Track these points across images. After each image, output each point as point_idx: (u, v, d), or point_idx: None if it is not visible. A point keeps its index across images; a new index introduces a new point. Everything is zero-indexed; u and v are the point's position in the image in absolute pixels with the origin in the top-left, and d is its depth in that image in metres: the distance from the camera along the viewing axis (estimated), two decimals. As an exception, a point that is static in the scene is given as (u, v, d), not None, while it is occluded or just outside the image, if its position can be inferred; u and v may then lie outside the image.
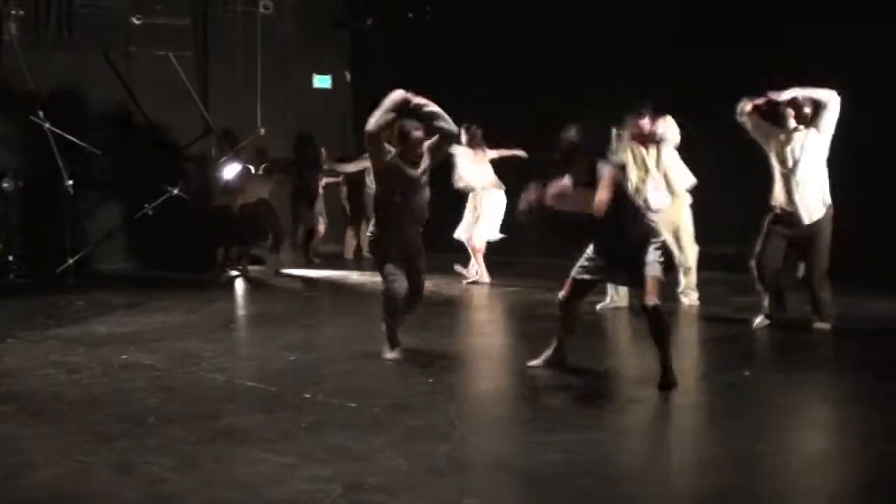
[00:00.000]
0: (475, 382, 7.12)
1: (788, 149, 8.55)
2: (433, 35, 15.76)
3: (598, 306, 9.90)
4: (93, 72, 15.39)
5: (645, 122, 9.82)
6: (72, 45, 15.28)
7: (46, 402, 6.65)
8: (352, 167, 15.41)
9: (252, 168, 15.14)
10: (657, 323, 6.66)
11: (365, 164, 13.87)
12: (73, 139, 14.30)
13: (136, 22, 15.68)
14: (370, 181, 15.37)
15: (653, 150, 9.87)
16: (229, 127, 15.97)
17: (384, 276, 7.87)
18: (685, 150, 10.06)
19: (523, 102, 14.30)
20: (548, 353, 7.32)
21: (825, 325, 8.54)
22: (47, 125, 14.03)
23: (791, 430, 5.80)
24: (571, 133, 6.87)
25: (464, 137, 12.17)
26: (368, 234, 8.31)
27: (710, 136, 10.41)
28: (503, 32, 14.71)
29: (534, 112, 13.76)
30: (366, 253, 12.55)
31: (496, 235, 12.58)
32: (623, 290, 9.82)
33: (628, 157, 9.75)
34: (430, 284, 9.50)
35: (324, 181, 16.21)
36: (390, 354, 7.83)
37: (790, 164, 8.53)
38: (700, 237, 10.15)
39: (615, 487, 4.85)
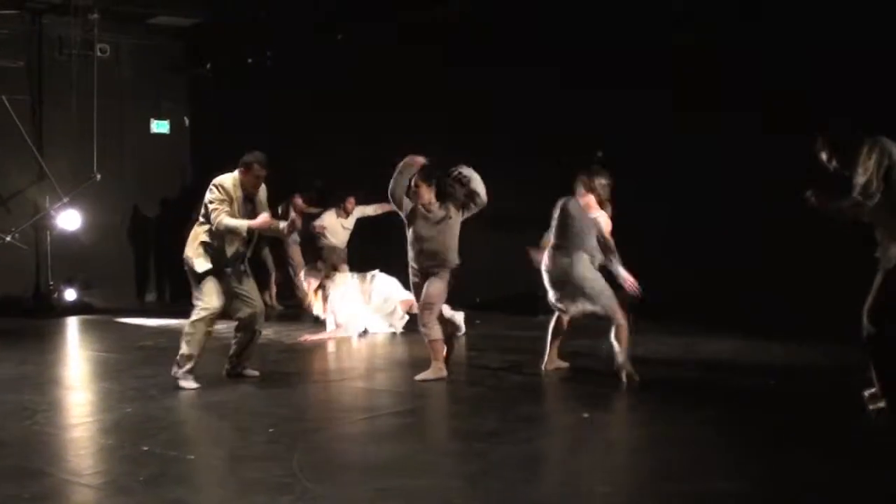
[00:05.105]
0: (316, 431, 7.10)
1: None
2: (273, 80, 15.78)
3: None
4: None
5: None
6: None
7: None
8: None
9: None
10: None
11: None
12: None
13: (-31, 64, 15.40)
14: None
15: None
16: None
17: None
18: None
19: (361, 146, 14.42)
20: None
21: None
22: None
23: (634, 470, 5.94)
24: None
25: None
26: None
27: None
28: (342, 78, 14.84)
29: (373, 157, 13.89)
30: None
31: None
32: None
33: None
34: (270, 333, 9.46)
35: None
36: None
37: None
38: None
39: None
